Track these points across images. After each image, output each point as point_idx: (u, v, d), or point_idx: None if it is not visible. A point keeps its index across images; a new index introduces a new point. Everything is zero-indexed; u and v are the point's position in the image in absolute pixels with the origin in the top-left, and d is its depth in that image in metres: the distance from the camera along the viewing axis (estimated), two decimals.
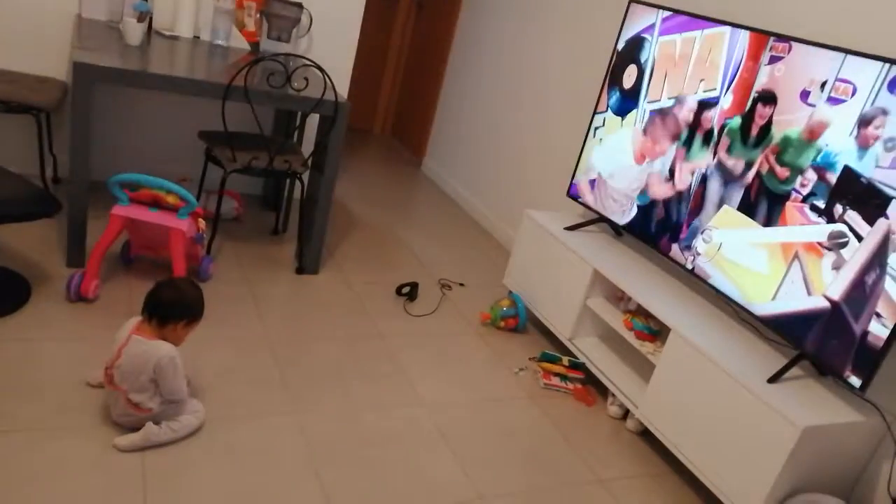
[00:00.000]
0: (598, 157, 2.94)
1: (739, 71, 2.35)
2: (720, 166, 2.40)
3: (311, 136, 3.56)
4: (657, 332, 2.53)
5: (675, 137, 2.58)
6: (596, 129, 2.96)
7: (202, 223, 2.68)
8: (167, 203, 2.50)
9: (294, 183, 3.43)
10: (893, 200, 1.89)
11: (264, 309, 2.70)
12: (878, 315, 1.90)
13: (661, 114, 2.64)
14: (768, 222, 2.23)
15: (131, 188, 2.49)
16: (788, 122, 2.18)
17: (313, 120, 3.49)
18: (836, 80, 2.06)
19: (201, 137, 3.01)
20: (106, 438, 1.86)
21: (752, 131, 2.30)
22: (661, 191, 2.64)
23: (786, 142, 2.18)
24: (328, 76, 2.72)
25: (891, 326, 1.87)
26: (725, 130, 2.39)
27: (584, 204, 3.01)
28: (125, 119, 3.40)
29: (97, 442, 1.85)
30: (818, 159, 2.08)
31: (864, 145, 1.97)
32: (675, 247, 2.57)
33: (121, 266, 2.73)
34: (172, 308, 1.88)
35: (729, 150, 2.37)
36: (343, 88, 3.65)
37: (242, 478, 1.86)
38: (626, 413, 2.55)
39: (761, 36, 2.29)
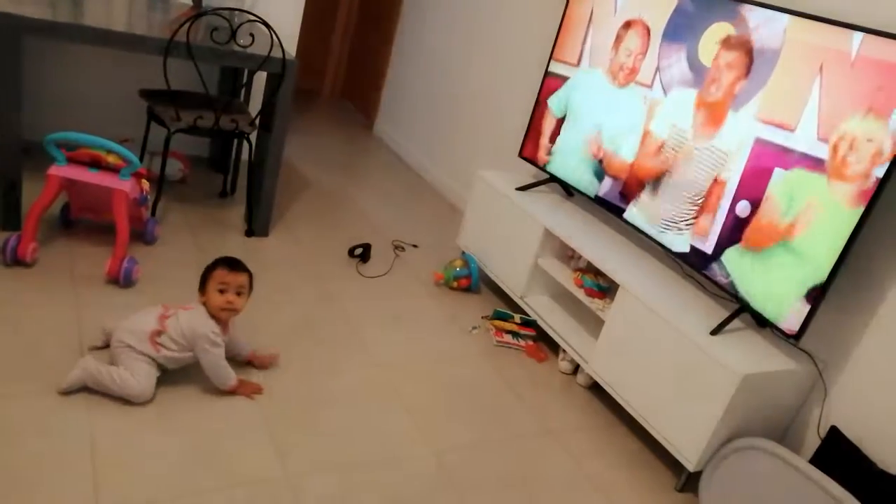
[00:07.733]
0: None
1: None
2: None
3: (259, 95, 3.46)
4: (606, 288, 2.59)
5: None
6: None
7: (146, 184, 2.59)
8: (107, 163, 2.41)
9: (241, 143, 3.33)
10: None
11: None
12: None
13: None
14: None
15: (68, 147, 2.38)
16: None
17: (260, 79, 3.39)
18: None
19: (142, 96, 2.89)
20: (51, 404, 1.81)
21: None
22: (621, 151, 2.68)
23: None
24: (275, 32, 2.64)
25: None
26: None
27: (535, 164, 3.02)
28: (60, 75, 3.24)
29: (41, 407, 1.80)
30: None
31: None
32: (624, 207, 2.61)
33: (60, 229, 2.63)
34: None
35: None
36: (291, 46, 3.55)
37: (195, 440, 1.84)
38: (576, 368, 2.61)
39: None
